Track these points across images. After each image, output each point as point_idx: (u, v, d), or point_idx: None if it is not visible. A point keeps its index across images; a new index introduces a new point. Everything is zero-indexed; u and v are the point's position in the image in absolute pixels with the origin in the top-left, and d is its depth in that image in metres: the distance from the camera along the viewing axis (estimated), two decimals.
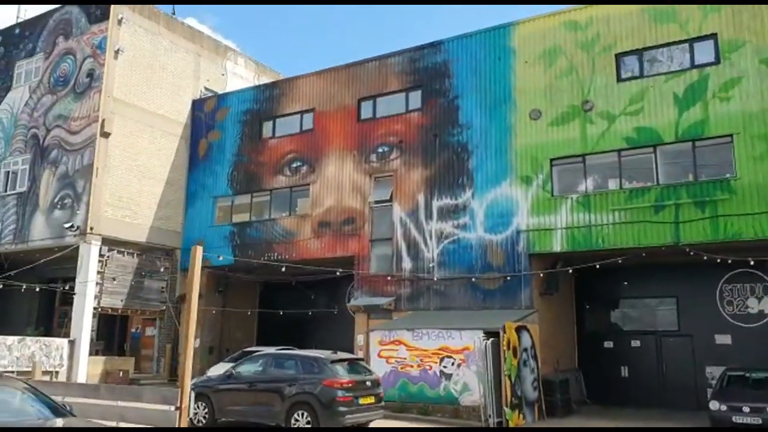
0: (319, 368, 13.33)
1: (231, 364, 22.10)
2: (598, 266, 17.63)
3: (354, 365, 13.91)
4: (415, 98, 21.70)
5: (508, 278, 18.61)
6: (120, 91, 23.82)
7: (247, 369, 14.35)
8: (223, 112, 26.06)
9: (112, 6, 23.89)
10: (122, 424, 8.77)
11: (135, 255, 24.03)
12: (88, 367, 21.66)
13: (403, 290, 20.45)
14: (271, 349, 22.62)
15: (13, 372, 19.80)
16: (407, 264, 20.54)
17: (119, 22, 23.99)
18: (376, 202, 21.73)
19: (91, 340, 22.23)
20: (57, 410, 7.71)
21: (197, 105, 26.71)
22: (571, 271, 18.59)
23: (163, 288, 24.91)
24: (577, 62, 19.01)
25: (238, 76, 29.09)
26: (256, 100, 25.44)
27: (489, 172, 19.68)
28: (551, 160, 18.86)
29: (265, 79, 29.42)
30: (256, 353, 15.18)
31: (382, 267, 21.22)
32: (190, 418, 11.81)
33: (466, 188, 19.96)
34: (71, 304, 28.56)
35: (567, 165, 18.80)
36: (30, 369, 20.00)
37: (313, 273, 25.09)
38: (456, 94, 20.79)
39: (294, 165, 23.81)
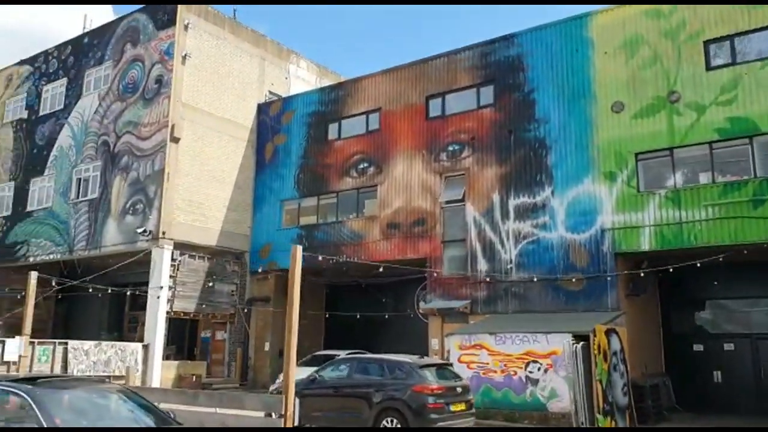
0: (407, 373, 12.85)
1: (302, 368, 22.01)
2: (699, 264, 16.62)
3: (442, 370, 13.38)
4: (487, 93, 21.06)
5: (593, 279, 17.77)
6: (188, 96, 23.92)
7: (330, 374, 13.97)
8: (289, 116, 25.92)
9: (179, 11, 24.02)
10: None
11: (206, 259, 24.06)
12: (161, 372, 21.71)
13: (479, 293, 19.81)
14: (342, 353, 22.33)
15: (90, 376, 20.00)
16: (483, 266, 19.89)
17: (186, 27, 24.10)
18: (448, 202, 21.15)
19: (164, 344, 22.29)
20: (163, 419, 7.41)
21: (263, 109, 26.66)
22: (671, 270, 17.52)
23: (233, 291, 24.88)
24: (661, 51, 18.07)
25: (301, 79, 28.96)
26: (321, 102, 25.21)
27: (569, 169, 18.89)
28: (636, 154, 17.96)
29: (326, 82, 29.22)
30: (338, 357, 14.76)
31: (455, 269, 20.63)
32: None
33: (545, 186, 19.20)
34: (141, 308, 29.01)
35: (653, 159, 17.86)
36: (107, 374, 20.18)
37: (381, 275, 24.74)
38: (531, 88, 20.06)
39: (361, 166, 23.45)
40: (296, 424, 7.99)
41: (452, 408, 12.59)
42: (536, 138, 19.67)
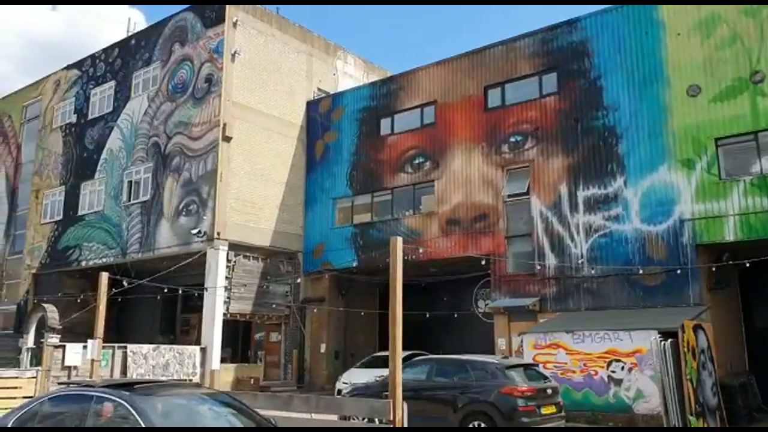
0: (493, 375, 12.14)
1: (363, 370, 21.43)
2: None
3: (529, 371, 12.63)
4: (550, 81, 20.21)
5: (673, 273, 16.81)
6: (238, 94, 23.53)
7: (408, 376, 13.25)
8: (339, 112, 25.37)
9: (227, 9, 23.63)
10: None
11: (259, 259, 23.64)
12: (220, 375, 21.31)
13: (548, 289, 18.97)
14: (402, 354, 21.66)
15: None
16: (551, 261, 19.04)
17: (234, 24, 23.71)
18: (511, 196, 20.35)
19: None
20: (263, 424, 6.85)
21: (312, 106, 26.16)
22: (755, 261, 16.46)
23: (287, 292, 24.42)
24: (741, 30, 17.02)
25: (348, 75, 28.41)
26: (373, 96, 24.60)
27: (643, 157, 17.94)
28: (716, 139, 16.94)
29: (374, 77, 28.62)
30: (417, 358, 14.06)
31: (520, 265, 19.81)
32: None
33: (617, 176, 18.28)
34: (193, 311, 28.80)
35: (736, 144, 16.83)
36: (166, 377, 19.84)
37: (438, 273, 24.05)
38: (598, 74, 19.16)
39: (416, 161, 22.77)
40: None
41: (543, 410, 11.84)
42: (605, 126, 18.76)
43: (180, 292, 27.73)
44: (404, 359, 20.63)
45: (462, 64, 22.26)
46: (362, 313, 25.28)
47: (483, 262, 20.97)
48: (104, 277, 11.99)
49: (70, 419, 6.39)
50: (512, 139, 20.56)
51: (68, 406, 6.60)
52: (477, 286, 24.66)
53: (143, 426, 5.83)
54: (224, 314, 22.06)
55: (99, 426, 6.24)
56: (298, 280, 24.75)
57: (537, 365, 13.96)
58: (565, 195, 19.11)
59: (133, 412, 5.97)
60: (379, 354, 22.43)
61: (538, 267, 19.13)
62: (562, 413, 12.43)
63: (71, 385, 6.95)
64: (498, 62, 21.42)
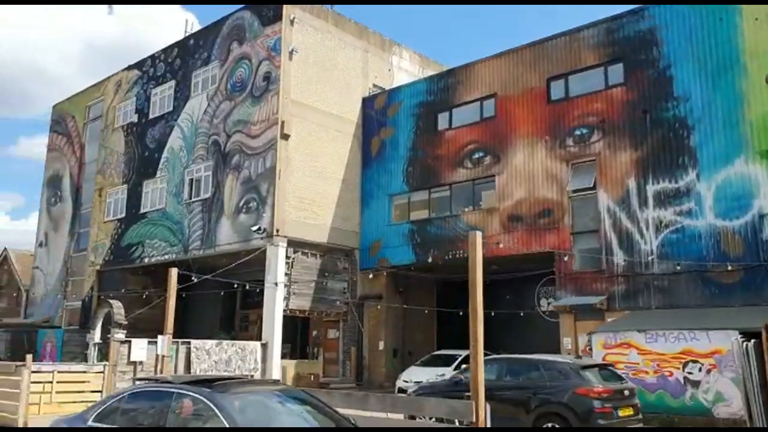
0: (567, 375, 11.70)
1: (423, 369, 21.19)
2: None
3: (604, 372, 12.14)
4: (616, 72, 19.52)
5: (752, 270, 15.99)
6: (296, 92, 23.56)
7: None
8: (395, 108, 25.15)
9: (284, 6, 23.67)
10: None
11: (317, 256, 23.64)
12: (281, 371, 21.38)
13: (617, 287, 18.33)
14: (463, 353, 21.33)
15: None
16: (619, 258, 18.40)
17: (291, 22, 23.75)
18: (576, 190, 19.77)
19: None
20: (344, 422, 6.66)
21: (367, 103, 26.02)
22: None
23: (344, 289, 24.35)
24: None
25: (404, 71, 28.16)
26: (430, 91, 24.29)
27: (717, 149, 17.14)
28: None
29: (429, 72, 28.27)
30: (486, 358, 13.67)
31: (587, 262, 19.22)
32: None
33: (689, 169, 17.52)
34: (252, 307, 29.07)
35: None
36: (228, 373, 19.98)
37: (499, 271, 23.58)
38: (667, 64, 18.40)
39: (475, 156, 22.36)
40: None
41: (620, 413, 11.35)
42: (676, 117, 18.00)
43: (239, 288, 28.10)
44: (465, 359, 20.37)
45: (523, 56, 21.73)
46: (425, 311, 25.10)
47: (549, 260, 20.47)
48: (173, 272, 12.05)
49: (151, 416, 6.33)
50: (577, 132, 19.96)
51: (148, 403, 6.54)
52: (539, 284, 24.12)
53: (226, 425, 5.70)
54: (284, 310, 22.12)
55: (180, 423, 6.15)
56: (355, 278, 24.66)
57: (612, 365, 13.43)
58: (634, 189, 18.43)
59: (215, 409, 5.86)
60: (438, 352, 22.17)
61: (606, 264, 18.51)
62: (640, 416, 11.91)
63: (149, 382, 6.90)
64: (561, 53, 20.82)
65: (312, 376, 22.00)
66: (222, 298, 28.15)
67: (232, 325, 29.28)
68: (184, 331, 27.35)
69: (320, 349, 25.76)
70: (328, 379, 23.23)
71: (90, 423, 6.58)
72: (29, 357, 14.50)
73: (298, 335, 26.37)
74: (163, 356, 11.53)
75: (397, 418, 7.89)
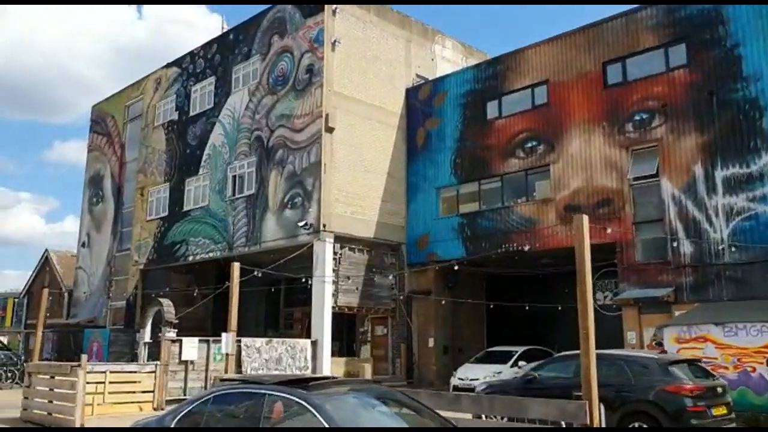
0: (652, 371, 10.94)
1: (478, 366, 20.52)
2: None
3: (693, 368, 11.35)
4: (678, 53, 18.58)
5: None
6: (339, 84, 23.03)
7: (551, 373, 12.30)
8: (441, 97, 24.46)
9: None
10: None
11: (364, 252, 23.10)
12: (331, 369, 20.92)
13: (685, 279, 17.42)
14: (519, 349, 20.61)
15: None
16: (686, 248, 17.49)
17: (333, 12, 23.22)
18: (637, 178, 18.88)
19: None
20: (446, 424, 6.07)
21: (411, 93, 25.38)
22: None
23: (392, 285, 23.78)
24: None
25: (446, 60, 27.45)
26: (477, 79, 23.54)
27: None
28: None
29: (473, 61, 27.52)
30: (561, 354, 12.99)
31: (651, 253, 18.36)
32: None
33: (762, 152, 16.55)
34: (296, 305, 28.71)
35: None
36: (279, 371, 19.59)
37: (552, 264, 22.79)
38: (735, 43, 17.41)
39: (528, 145, 21.58)
40: None
41: (714, 412, 10.56)
42: (746, 99, 17.03)
43: (283, 285, 27.70)
44: (521, 355, 19.62)
45: (576, 40, 20.88)
46: (475, 307, 24.36)
47: (606, 251, 19.63)
48: (236, 267, 11.59)
49: (241, 420, 5.80)
50: (637, 117, 19.07)
51: (237, 405, 6.02)
52: (595, 276, 23.23)
53: (327, 427, 5.14)
54: (333, 307, 21.64)
55: (277, 427, 5.62)
56: (403, 273, 24.07)
57: (700, 360, 12.60)
58: (701, 175, 17.50)
59: (315, 412, 5.30)
60: (493, 349, 21.50)
61: (672, 254, 17.62)
62: (732, 415, 11.09)
63: (235, 382, 6.36)
64: (617, 36, 19.93)
65: (360, 375, 21.47)
66: (266, 295, 27.81)
67: (277, 323, 28.94)
68: (224, 329, 27.05)
69: (364, 347, 25.28)
70: (378, 377, 22.62)
71: (173, 426, 6.08)
72: (84, 357, 14.20)
73: (345, 332, 25.86)
74: (228, 355, 11.03)
75: (492, 421, 7.26)
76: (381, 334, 24.43)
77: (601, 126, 19.76)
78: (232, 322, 11.04)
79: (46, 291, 16.50)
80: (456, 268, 21.16)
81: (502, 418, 10.21)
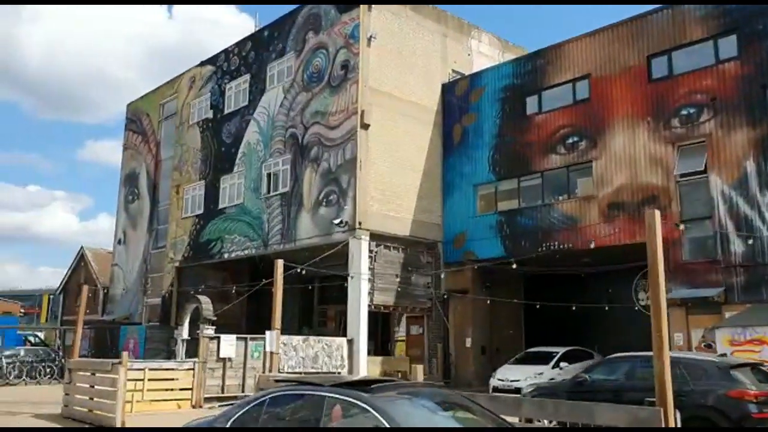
0: (713, 375, 10.46)
1: (519, 367, 20.08)
2: None
3: (756, 371, 10.83)
4: (728, 45, 17.94)
5: None
6: (374, 80, 22.77)
7: (602, 375, 11.87)
8: (478, 93, 24.05)
9: None
10: None
11: (400, 250, 22.81)
12: (367, 368, 20.70)
13: (736, 278, 16.81)
14: (560, 350, 20.14)
15: (300, 373, 19.32)
16: (737, 246, 16.88)
17: (369, 7, 22.95)
18: (684, 175, 18.28)
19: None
20: None
21: (447, 89, 25.00)
22: None
23: (428, 284, 23.45)
24: None
25: (483, 55, 27.00)
26: (516, 74, 23.08)
27: None
28: None
29: (510, 56, 27.02)
30: (615, 356, 12.54)
31: (699, 252, 17.76)
32: None
33: None
34: (330, 303, 28.57)
35: None
36: (315, 370, 19.43)
37: (593, 263, 22.27)
38: None
39: (569, 141, 21.08)
40: None
41: None
42: None
43: (316, 283, 27.55)
44: (563, 356, 19.13)
45: (619, 34, 20.32)
46: (512, 307, 23.92)
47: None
48: (279, 264, 11.39)
49: (300, 424, 5.56)
50: (683, 112, 18.47)
51: (294, 409, 5.79)
52: (637, 276, 22.64)
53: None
54: (369, 306, 21.39)
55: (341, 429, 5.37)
56: (439, 272, 23.73)
57: (762, 365, 12.06)
58: (753, 171, 16.87)
59: (379, 416, 5.03)
60: (534, 349, 21.06)
61: (721, 253, 17.01)
62: None
63: (290, 384, 6.12)
64: (663, 28, 19.32)
65: (399, 374, 21.22)
66: (299, 293, 27.67)
67: (310, 320, 28.81)
68: (259, 327, 26.94)
69: (396, 345, 25.05)
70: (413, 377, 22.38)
71: (229, 427, 5.86)
72: (125, 354, 14.17)
73: (380, 331, 25.62)
74: (272, 353, 10.83)
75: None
76: (416, 333, 24.14)
77: (646, 121, 19.19)
78: (276, 320, 10.83)
79: (86, 288, 16.52)
80: (475, 266, 20.77)
81: (550, 422, 9.86)
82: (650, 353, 12.56)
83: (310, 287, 26.23)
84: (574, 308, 20.42)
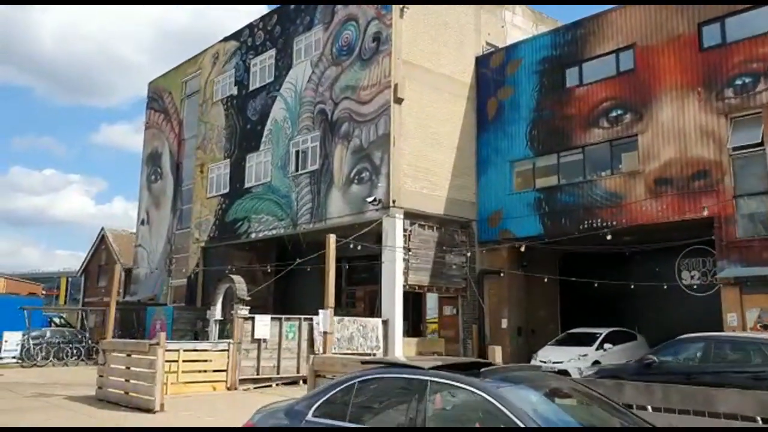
0: None
1: (561, 348, 19.44)
2: None
3: None
4: None
5: None
6: (407, 52, 21.94)
7: (676, 357, 11.19)
8: (514, 65, 23.16)
9: None
10: None
11: (434, 228, 22.13)
12: (403, 349, 20.15)
13: None
14: (603, 330, 19.44)
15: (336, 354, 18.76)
16: None
17: None
18: (738, 148, 17.40)
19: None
20: (640, 424, 5.07)
21: (481, 62, 24.12)
22: None
23: (463, 263, 22.77)
24: None
25: (517, 27, 26.05)
26: (555, 45, 22.15)
27: None
28: None
29: (543, 28, 26.06)
30: (686, 336, 11.84)
31: (754, 228, 16.93)
32: None
33: None
34: (358, 284, 28.03)
35: None
36: (350, 351, 18.89)
37: (634, 242, 21.51)
38: None
39: (613, 114, 20.20)
40: None
41: None
42: None
43: (345, 264, 26.96)
44: (607, 337, 18.41)
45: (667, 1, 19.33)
46: (549, 287, 23.21)
47: (692, 228, 18.34)
48: (332, 239, 10.76)
49: (400, 412, 4.91)
50: (738, 82, 17.54)
51: (390, 394, 5.15)
52: (680, 255, 21.88)
53: (521, 425, 4.22)
54: (404, 286, 20.78)
55: (446, 422, 4.74)
56: (474, 251, 23.03)
57: None
58: None
59: (501, 406, 4.35)
60: (574, 330, 20.39)
61: None
62: None
63: (382, 366, 5.46)
64: None
65: (435, 355, 20.63)
66: (324, 274, 27.03)
67: (339, 301, 28.23)
68: (287, 307, 26.50)
69: (427, 327, 24.51)
70: (450, 358, 21.81)
71: (311, 418, 5.24)
72: (162, 335, 13.67)
73: (411, 312, 25.02)
74: (327, 333, 10.23)
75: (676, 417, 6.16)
76: (450, 314, 23.53)
77: (696, 92, 18.27)
78: (329, 298, 10.21)
79: (118, 267, 16.10)
80: (521, 248, 20.05)
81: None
82: (724, 334, 11.91)
83: (346, 266, 25.63)
84: (612, 287, 19.68)
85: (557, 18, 27.71)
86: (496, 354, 8.51)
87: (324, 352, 10.12)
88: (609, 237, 19.27)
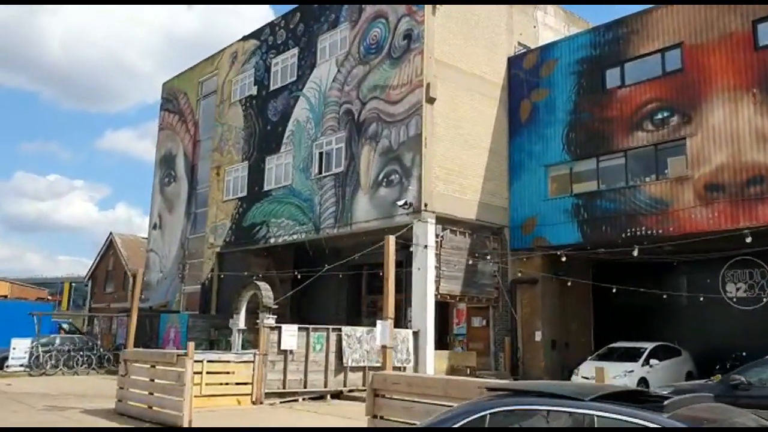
0: None
1: (600, 363, 18.30)
2: None
3: None
4: None
5: None
6: (439, 51, 20.99)
7: (762, 376, 10.12)
8: (550, 66, 22.18)
9: None
10: None
11: (466, 234, 21.10)
12: (434, 363, 19.07)
13: None
14: (648, 345, 18.35)
15: (364, 368, 17.70)
16: None
17: None
18: None
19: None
20: None
21: (514, 63, 23.15)
22: None
23: (495, 272, 21.72)
24: None
25: (549, 28, 25.14)
26: (595, 44, 21.18)
27: None
28: None
29: (575, 29, 25.14)
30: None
31: None
32: None
33: None
34: (379, 293, 26.87)
35: None
36: (380, 364, 17.78)
37: (675, 252, 20.45)
38: None
39: (658, 116, 19.18)
40: None
41: None
42: None
43: (365, 271, 25.92)
44: (652, 352, 17.28)
45: None
46: (583, 297, 22.09)
47: (736, 239, 17.29)
48: (391, 240, 9.69)
49: None
50: None
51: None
52: (725, 266, 20.80)
53: None
54: (435, 295, 19.71)
55: None
56: (506, 259, 21.98)
57: None
58: None
59: None
60: (616, 345, 19.27)
61: None
62: None
63: (513, 393, 4.39)
64: None
65: (468, 369, 19.57)
66: (347, 281, 26.02)
67: (359, 310, 27.19)
68: (305, 316, 25.40)
69: (455, 338, 23.37)
70: (481, 372, 20.71)
71: None
72: (191, 345, 12.59)
73: (437, 323, 23.92)
74: (386, 347, 9.16)
75: None
76: (479, 325, 22.43)
77: (751, 93, 17.26)
78: (388, 308, 9.14)
79: (140, 271, 15.10)
80: (563, 257, 18.98)
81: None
82: None
83: (364, 274, 24.58)
84: (647, 298, 18.64)
85: (588, 20, 26.71)
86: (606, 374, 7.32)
87: (384, 368, 9.08)
88: (656, 246, 18.22)
